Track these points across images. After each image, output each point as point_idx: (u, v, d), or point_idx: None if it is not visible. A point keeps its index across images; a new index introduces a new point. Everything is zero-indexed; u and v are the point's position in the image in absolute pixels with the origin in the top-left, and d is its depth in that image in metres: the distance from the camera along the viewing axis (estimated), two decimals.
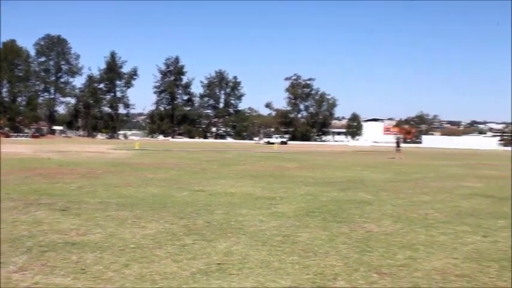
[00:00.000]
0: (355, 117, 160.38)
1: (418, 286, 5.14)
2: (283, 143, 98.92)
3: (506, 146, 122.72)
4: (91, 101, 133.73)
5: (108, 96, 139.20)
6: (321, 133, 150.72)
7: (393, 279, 5.34)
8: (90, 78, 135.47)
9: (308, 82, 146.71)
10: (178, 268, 5.50)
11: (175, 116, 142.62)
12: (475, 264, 6.06)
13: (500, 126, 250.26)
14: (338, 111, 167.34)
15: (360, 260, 6.04)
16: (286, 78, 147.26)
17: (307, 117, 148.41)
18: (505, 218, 9.62)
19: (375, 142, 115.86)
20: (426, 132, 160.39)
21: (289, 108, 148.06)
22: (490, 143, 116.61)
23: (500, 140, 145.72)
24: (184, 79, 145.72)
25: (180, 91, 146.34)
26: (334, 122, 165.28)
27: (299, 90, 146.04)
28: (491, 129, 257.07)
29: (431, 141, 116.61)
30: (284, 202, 11.13)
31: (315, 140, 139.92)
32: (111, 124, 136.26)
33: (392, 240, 7.30)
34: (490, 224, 8.85)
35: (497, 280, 5.43)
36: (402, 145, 43.67)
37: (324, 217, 9.13)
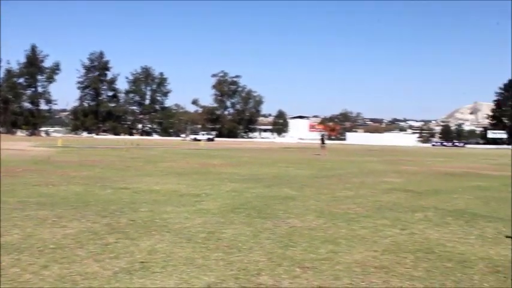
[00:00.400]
0: (281, 115, 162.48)
1: (339, 279, 5.27)
2: (209, 139, 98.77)
3: (424, 142, 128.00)
4: (10, 96, 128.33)
5: (28, 92, 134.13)
6: (247, 130, 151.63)
7: (315, 272, 5.45)
8: (9, 72, 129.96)
9: (235, 79, 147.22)
10: (100, 268, 5.38)
11: (100, 113, 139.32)
12: (393, 256, 6.28)
13: (419, 124, 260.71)
14: (265, 109, 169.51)
15: (283, 255, 6.12)
16: (213, 75, 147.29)
17: (234, 114, 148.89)
18: (422, 211, 10.03)
19: (301, 139, 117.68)
20: (350, 130, 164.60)
21: (216, 105, 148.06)
22: (409, 140, 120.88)
23: (419, 137, 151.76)
24: (109, 75, 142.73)
25: (104, 87, 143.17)
26: (260, 119, 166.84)
27: (226, 87, 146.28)
28: (411, 127, 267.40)
29: (355, 138, 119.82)
30: (209, 199, 11.11)
31: (242, 137, 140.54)
32: (32, 120, 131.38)
33: (315, 234, 7.45)
34: (407, 218, 9.20)
35: (412, 270, 5.65)
36: (327, 142, 44.61)
37: (248, 213, 9.19)
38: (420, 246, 6.86)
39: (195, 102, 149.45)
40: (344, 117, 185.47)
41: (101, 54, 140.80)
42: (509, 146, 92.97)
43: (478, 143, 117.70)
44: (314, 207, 10.22)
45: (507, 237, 7.64)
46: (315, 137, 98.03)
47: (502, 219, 9.28)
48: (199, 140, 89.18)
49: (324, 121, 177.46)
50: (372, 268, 5.67)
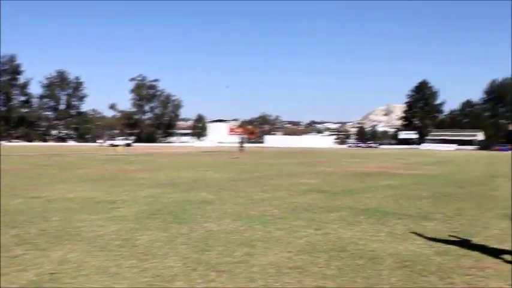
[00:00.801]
0: (200, 119, 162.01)
1: (253, 281, 5.31)
2: (127, 145, 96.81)
3: (341, 144, 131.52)
4: None
5: None
6: (166, 134, 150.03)
7: (230, 275, 5.47)
8: None
9: (153, 83, 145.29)
10: (6, 282, 5.16)
11: (11, 119, 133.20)
12: (307, 256, 6.41)
13: (335, 126, 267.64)
14: (184, 113, 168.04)
15: (198, 260, 6.11)
16: (132, 79, 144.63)
17: (153, 118, 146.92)
18: (336, 211, 10.30)
19: (220, 142, 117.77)
20: (269, 132, 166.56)
21: (134, 109, 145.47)
22: (326, 141, 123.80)
23: (335, 139, 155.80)
24: (22, 79, 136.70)
25: (16, 91, 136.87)
26: (180, 123, 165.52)
27: (144, 91, 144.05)
28: (328, 129, 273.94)
29: (274, 141, 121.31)
30: (125, 205, 10.90)
31: (161, 142, 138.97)
32: None
33: (231, 238, 7.47)
34: (322, 218, 9.41)
35: (325, 269, 5.79)
36: (246, 145, 44.90)
37: (164, 219, 9.09)
38: (333, 245, 7.04)
39: (112, 107, 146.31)
40: (263, 120, 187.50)
41: (12, 58, 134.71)
42: (419, 146, 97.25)
43: (391, 144, 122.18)
44: (231, 210, 10.26)
45: (411, 232, 8.00)
46: (234, 141, 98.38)
47: (410, 216, 9.71)
48: (116, 146, 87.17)
49: (243, 124, 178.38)
50: (286, 269, 5.76)
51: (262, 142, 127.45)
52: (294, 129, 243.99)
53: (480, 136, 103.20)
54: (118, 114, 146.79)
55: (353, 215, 9.77)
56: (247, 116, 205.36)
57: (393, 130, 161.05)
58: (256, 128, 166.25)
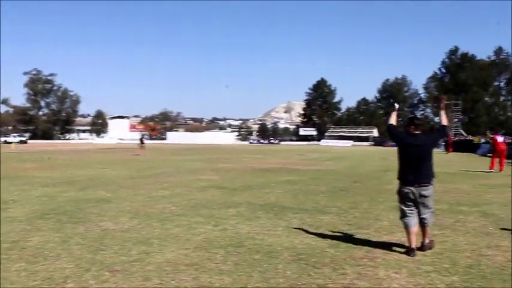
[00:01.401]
0: (100, 115, 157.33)
1: (149, 279, 5.23)
2: (22, 142, 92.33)
3: (243, 140, 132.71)
4: None
5: None
6: (64, 131, 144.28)
7: (125, 275, 5.35)
8: None
9: (49, 78, 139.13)
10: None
11: None
12: (204, 252, 6.39)
13: (238, 123, 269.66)
14: (83, 109, 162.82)
15: (92, 260, 5.93)
16: (25, 73, 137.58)
17: (49, 114, 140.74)
18: (235, 207, 10.36)
19: (121, 139, 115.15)
20: (171, 129, 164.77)
21: (29, 105, 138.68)
22: (228, 138, 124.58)
23: (237, 135, 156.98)
24: None
25: None
26: (78, 119, 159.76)
27: (40, 85, 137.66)
28: (230, 126, 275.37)
29: (176, 138, 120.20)
30: (17, 206, 10.39)
31: (58, 139, 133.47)
32: None
33: (128, 236, 7.32)
34: (221, 214, 9.44)
35: (222, 265, 5.81)
36: (147, 142, 44.19)
37: (59, 218, 8.76)
38: (231, 241, 7.08)
39: (5, 102, 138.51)
40: (164, 116, 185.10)
41: None
42: (319, 142, 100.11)
43: (291, 140, 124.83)
44: (129, 208, 10.06)
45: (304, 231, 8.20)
46: (135, 137, 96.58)
47: (307, 210, 9.95)
48: (10, 143, 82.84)
49: (144, 121, 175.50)
50: (182, 266, 5.72)
51: (164, 139, 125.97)
52: (197, 125, 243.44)
53: (375, 133, 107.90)
54: (11, 110, 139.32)
55: (251, 211, 9.88)
56: (149, 113, 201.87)
57: (294, 127, 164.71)
58: (157, 125, 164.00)
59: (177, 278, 5.30)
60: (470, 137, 58.39)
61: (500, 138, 23.35)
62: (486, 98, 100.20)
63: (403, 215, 6.55)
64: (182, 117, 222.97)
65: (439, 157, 37.69)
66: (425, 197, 6.42)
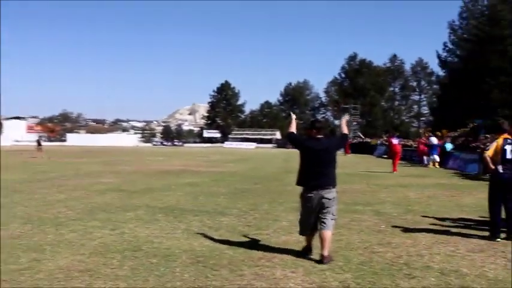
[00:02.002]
0: None
1: (39, 287, 5.01)
2: None
3: (146, 142, 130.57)
4: None
5: None
6: None
7: (12, 285, 5.10)
8: None
9: None
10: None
11: None
12: (100, 257, 6.22)
13: (141, 125, 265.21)
14: None
15: None
16: None
17: None
18: (134, 210, 10.18)
19: (17, 141, 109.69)
20: (71, 131, 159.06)
21: None
22: (131, 140, 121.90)
23: (141, 137, 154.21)
24: None
25: None
26: None
27: None
28: (133, 127, 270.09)
29: (76, 140, 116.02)
30: None
31: None
32: None
33: (18, 243, 6.99)
34: (119, 217, 9.24)
35: (118, 270, 5.68)
36: (46, 144, 42.43)
37: None
38: (128, 245, 6.94)
39: None
40: (64, 117, 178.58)
41: None
42: (223, 144, 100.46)
43: (195, 142, 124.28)
44: (21, 213, 9.60)
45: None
46: (33, 139, 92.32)
47: (207, 212, 9.94)
48: None
49: (42, 122, 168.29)
50: (76, 273, 5.54)
51: (64, 141, 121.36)
52: (99, 127, 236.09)
53: (278, 135, 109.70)
54: None
55: (151, 213, 9.74)
56: (47, 113, 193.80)
57: (198, 129, 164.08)
58: (56, 126, 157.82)
59: (69, 285, 5.12)
60: (368, 139, 60.73)
61: (395, 141, 24.59)
62: (382, 103, 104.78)
63: (303, 220, 6.50)
64: (83, 119, 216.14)
65: (338, 158, 38.86)
66: (328, 199, 6.27)
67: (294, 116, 7.24)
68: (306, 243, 6.52)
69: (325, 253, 6.16)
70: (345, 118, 7.25)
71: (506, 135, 7.82)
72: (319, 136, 6.48)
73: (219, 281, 5.34)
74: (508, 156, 7.59)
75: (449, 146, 27.72)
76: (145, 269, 5.75)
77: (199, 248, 6.81)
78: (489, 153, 7.70)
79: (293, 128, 6.90)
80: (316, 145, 6.39)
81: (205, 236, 7.61)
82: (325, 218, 6.30)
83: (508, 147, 7.60)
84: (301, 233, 6.55)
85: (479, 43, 43.73)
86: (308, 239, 6.49)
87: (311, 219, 6.38)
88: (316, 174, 6.31)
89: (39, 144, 41.86)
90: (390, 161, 24.03)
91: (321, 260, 6.09)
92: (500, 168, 7.60)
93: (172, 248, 6.81)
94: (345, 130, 7.00)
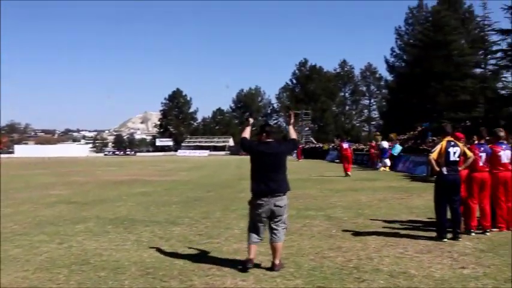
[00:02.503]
0: None
1: None
2: None
3: (98, 152, 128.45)
4: None
5: None
6: None
7: None
8: None
9: None
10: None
11: None
12: (46, 273, 6.05)
13: (92, 134, 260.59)
14: None
15: None
16: None
17: None
18: (84, 222, 9.97)
19: None
20: (19, 142, 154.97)
21: None
22: (82, 150, 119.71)
23: (92, 147, 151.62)
24: None
25: None
26: None
27: None
28: (84, 137, 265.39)
29: (25, 151, 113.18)
30: None
31: None
32: None
33: None
34: (67, 230, 9.02)
35: (64, 285, 5.54)
36: None
37: None
38: (76, 259, 6.77)
39: None
40: (11, 128, 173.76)
41: None
42: (176, 152, 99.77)
43: (148, 151, 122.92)
44: None
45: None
46: None
47: (158, 222, 9.81)
48: None
49: None
50: None
51: (12, 152, 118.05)
52: (48, 138, 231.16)
53: (231, 142, 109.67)
54: None
55: (100, 225, 9.55)
56: None
57: (150, 137, 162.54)
58: (4, 137, 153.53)
59: None
60: (320, 145, 61.41)
61: (345, 145, 24.94)
62: (333, 108, 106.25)
63: (252, 228, 6.27)
64: (32, 129, 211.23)
65: (291, 164, 39.12)
66: (279, 207, 6.09)
67: (251, 121, 6.94)
68: (249, 255, 6.19)
69: (277, 261, 6.11)
70: (292, 123, 6.88)
71: (449, 138, 8.03)
72: (268, 140, 6.32)
73: None
74: (452, 158, 7.79)
75: (397, 149, 28.25)
76: (92, 283, 5.63)
77: (149, 259, 6.71)
78: (434, 155, 7.88)
79: (247, 134, 6.71)
80: (266, 149, 6.22)
81: (156, 247, 7.50)
82: (276, 229, 6.15)
83: (451, 150, 7.80)
84: (250, 241, 6.25)
85: (425, 48, 44.86)
86: (252, 250, 6.19)
87: (261, 227, 6.20)
88: (266, 179, 6.11)
89: None
90: (340, 165, 24.27)
91: (272, 268, 6.04)
92: (444, 170, 7.79)
93: (122, 260, 6.69)
94: (293, 135, 6.79)
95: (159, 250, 7.30)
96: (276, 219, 6.15)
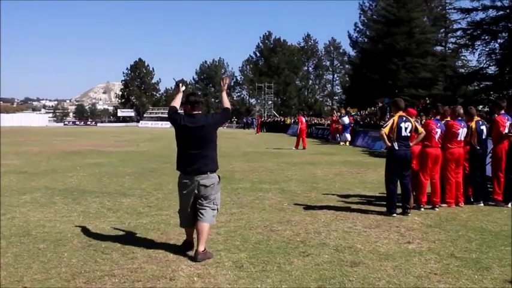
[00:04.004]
0: None
1: None
2: None
3: (58, 122, 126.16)
4: None
5: None
6: None
7: None
8: None
9: None
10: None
11: None
12: None
13: (53, 104, 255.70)
14: None
15: None
16: None
17: None
18: (31, 192, 9.70)
19: None
20: None
21: None
22: (42, 119, 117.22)
23: (52, 117, 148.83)
24: None
25: None
26: None
27: None
28: (44, 106, 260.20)
29: None
30: None
31: None
32: None
33: None
34: (13, 201, 8.77)
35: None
36: None
37: None
38: (17, 230, 6.56)
39: None
40: None
41: None
42: (138, 123, 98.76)
43: (110, 122, 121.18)
44: None
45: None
46: None
47: (109, 193, 9.64)
48: None
49: None
50: None
51: None
52: (6, 106, 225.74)
53: None
54: None
55: (48, 196, 9.31)
56: None
57: (112, 108, 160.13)
58: None
59: None
60: (281, 118, 61.45)
61: (303, 119, 25.15)
62: (297, 82, 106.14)
63: (181, 209, 5.72)
64: None
65: (250, 137, 39.26)
66: (205, 186, 5.49)
67: (182, 88, 6.26)
68: (187, 237, 5.77)
69: (201, 248, 5.37)
70: (225, 90, 6.07)
71: (401, 113, 8.00)
72: (195, 112, 5.61)
73: (109, 265, 5.13)
74: (403, 133, 7.77)
75: (345, 120, 28.40)
76: (30, 255, 5.44)
77: (93, 231, 6.55)
78: (385, 130, 7.84)
79: (176, 102, 6.13)
80: (191, 122, 5.52)
81: (103, 218, 7.35)
82: (203, 209, 5.52)
83: (403, 125, 7.78)
84: (182, 224, 5.78)
85: (387, 24, 44.89)
86: (189, 232, 5.74)
87: (189, 209, 5.60)
88: (190, 156, 5.50)
89: None
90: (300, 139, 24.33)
91: (195, 257, 5.33)
92: (395, 145, 7.78)
93: (65, 232, 6.50)
94: (226, 103, 5.98)
95: (105, 222, 7.14)
96: (202, 200, 5.52)
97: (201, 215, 5.51)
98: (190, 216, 5.61)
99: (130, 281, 4.68)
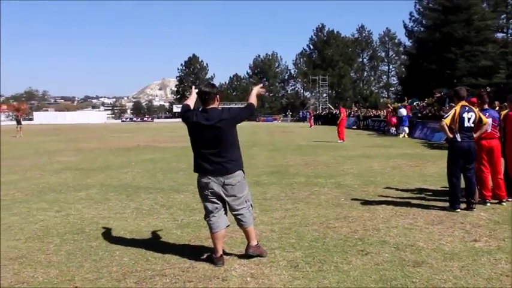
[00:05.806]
0: None
1: None
2: None
3: (116, 119, 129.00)
4: None
5: None
6: None
7: None
8: None
9: None
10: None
11: None
12: (36, 242, 5.84)
13: (111, 101, 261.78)
14: None
15: None
16: None
17: None
18: (86, 189, 9.76)
19: None
20: (39, 109, 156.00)
21: None
22: (101, 117, 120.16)
23: (110, 114, 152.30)
24: None
25: None
26: None
27: None
28: (103, 104, 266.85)
29: (44, 118, 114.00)
30: None
31: None
32: None
33: None
34: (68, 198, 8.82)
35: (53, 255, 5.32)
36: (10, 123, 41.06)
37: None
38: (71, 228, 6.55)
39: None
40: (29, 96, 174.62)
41: None
42: None
43: (166, 117, 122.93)
44: None
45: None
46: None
47: (162, 190, 9.57)
48: None
49: (7, 100, 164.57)
50: (5, 261, 5.14)
51: (31, 119, 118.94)
52: (67, 104, 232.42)
53: None
54: None
55: (103, 193, 9.33)
56: (12, 92, 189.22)
57: (168, 104, 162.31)
58: (23, 104, 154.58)
59: None
60: (336, 111, 60.65)
61: (345, 111, 25.20)
62: (351, 74, 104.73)
63: (207, 214, 5.16)
64: (50, 96, 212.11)
65: (305, 130, 38.91)
66: (231, 186, 5.00)
67: (194, 90, 5.59)
68: (215, 249, 5.10)
69: (253, 242, 5.16)
70: (258, 87, 5.66)
71: (464, 103, 7.53)
72: (210, 107, 5.04)
73: (160, 264, 5.00)
74: (466, 124, 7.32)
75: (403, 112, 27.82)
76: (82, 253, 5.38)
77: (146, 228, 6.46)
78: (446, 121, 7.39)
79: (190, 101, 5.54)
80: (203, 119, 4.94)
81: (156, 215, 7.26)
82: (240, 213, 5.10)
83: (465, 115, 7.32)
84: (212, 230, 5.11)
85: (444, 12, 43.50)
86: (216, 244, 5.10)
87: (216, 210, 5.10)
88: (209, 155, 4.97)
89: (19, 123, 40.07)
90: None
91: (247, 250, 5.16)
92: (458, 137, 7.34)
93: (117, 229, 6.44)
94: (252, 99, 5.47)
95: (158, 218, 7.05)
96: (232, 201, 5.06)
97: (241, 221, 5.14)
98: (216, 221, 5.09)
99: (181, 281, 4.53)
